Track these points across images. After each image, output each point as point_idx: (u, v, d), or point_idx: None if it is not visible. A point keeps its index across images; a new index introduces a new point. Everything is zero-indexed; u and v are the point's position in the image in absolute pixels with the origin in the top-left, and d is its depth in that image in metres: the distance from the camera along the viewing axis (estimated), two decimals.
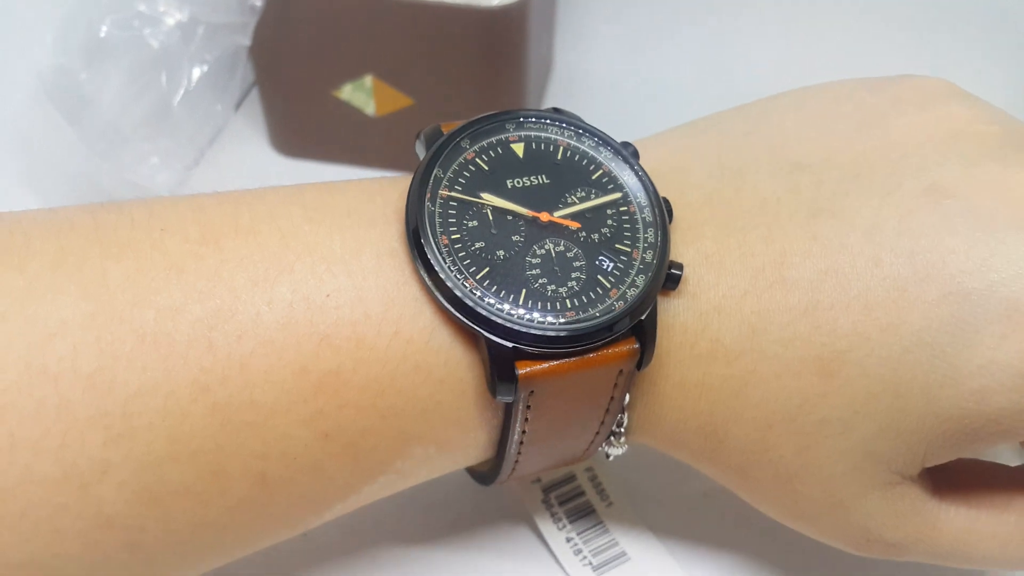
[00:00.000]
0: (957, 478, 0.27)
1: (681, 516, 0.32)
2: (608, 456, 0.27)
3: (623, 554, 0.31)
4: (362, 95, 0.43)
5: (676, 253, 0.25)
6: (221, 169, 0.45)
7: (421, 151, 0.25)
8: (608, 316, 0.23)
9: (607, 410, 0.25)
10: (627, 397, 0.25)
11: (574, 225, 0.24)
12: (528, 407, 0.24)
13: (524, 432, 0.25)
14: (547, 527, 0.32)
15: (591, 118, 0.47)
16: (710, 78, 0.51)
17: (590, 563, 0.31)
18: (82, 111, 0.39)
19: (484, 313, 0.23)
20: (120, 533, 0.22)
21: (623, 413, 0.26)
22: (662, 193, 0.26)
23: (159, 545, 0.22)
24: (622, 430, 0.27)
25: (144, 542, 0.22)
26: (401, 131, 0.43)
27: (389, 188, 0.25)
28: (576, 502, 0.33)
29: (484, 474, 0.28)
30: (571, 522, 0.32)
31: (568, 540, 0.31)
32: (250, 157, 0.46)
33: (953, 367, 0.23)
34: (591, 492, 0.33)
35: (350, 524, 0.31)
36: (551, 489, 0.33)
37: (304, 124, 0.44)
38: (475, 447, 0.25)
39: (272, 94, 0.44)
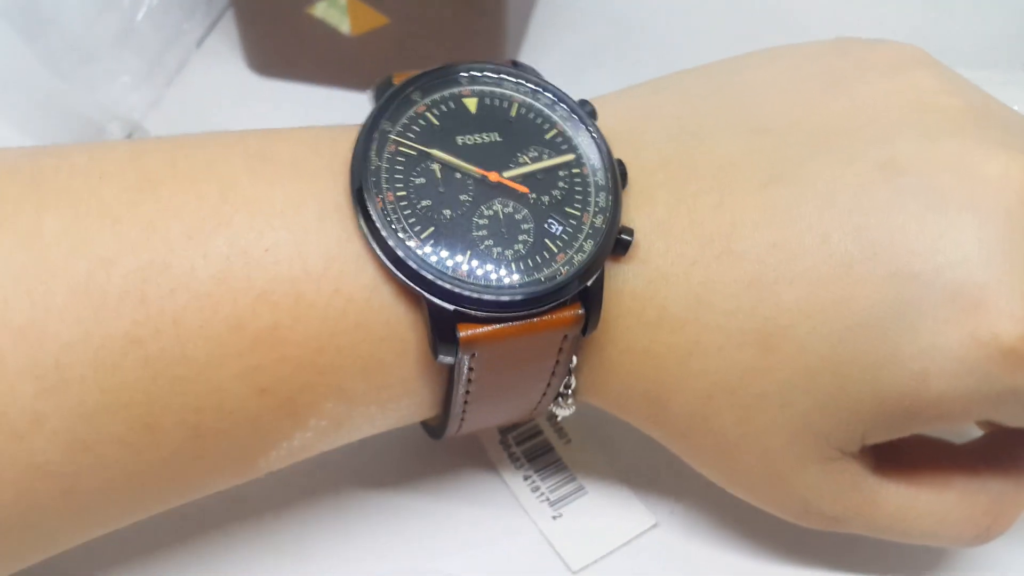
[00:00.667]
0: (900, 453, 0.27)
1: (640, 451, 0.32)
2: (557, 417, 0.27)
3: (580, 488, 0.32)
4: (336, 13, 0.42)
5: (628, 218, 0.25)
6: (196, 89, 0.44)
7: (371, 101, 0.25)
8: (554, 282, 0.23)
9: (553, 373, 0.25)
10: (574, 360, 0.25)
11: (522, 190, 0.24)
12: (471, 368, 0.24)
13: (468, 392, 0.25)
14: (505, 466, 0.32)
15: (573, 48, 0.46)
16: (700, 8, 0.50)
17: (547, 499, 0.31)
18: (42, 30, 0.38)
19: (426, 274, 0.22)
20: (54, 481, 0.22)
21: (570, 375, 0.26)
22: (617, 154, 0.25)
23: (93, 493, 0.22)
24: (570, 392, 0.26)
25: (78, 489, 0.22)
26: (377, 51, 0.43)
27: (338, 138, 0.24)
28: (534, 441, 0.33)
29: (433, 428, 0.28)
30: (529, 461, 0.32)
31: (526, 478, 0.32)
32: (226, 77, 0.45)
33: (895, 348, 0.23)
34: (549, 431, 0.33)
35: (303, 466, 0.31)
36: (509, 430, 0.33)
37: (280, 43, 0.44)
38: (419, 405, 0.25)
39: (247, 12, 0.43)
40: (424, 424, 0.29)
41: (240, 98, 0.45)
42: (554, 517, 0.31)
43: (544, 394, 0.26)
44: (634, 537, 0.31)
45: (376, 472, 0.32)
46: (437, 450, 0.33)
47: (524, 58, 0.47)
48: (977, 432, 0.30)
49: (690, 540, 0.31)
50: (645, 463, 0.32)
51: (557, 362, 0.25)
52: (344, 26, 0.42)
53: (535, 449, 0.33)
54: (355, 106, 0.43)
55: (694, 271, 0.24)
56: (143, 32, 0.41)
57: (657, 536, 0.31)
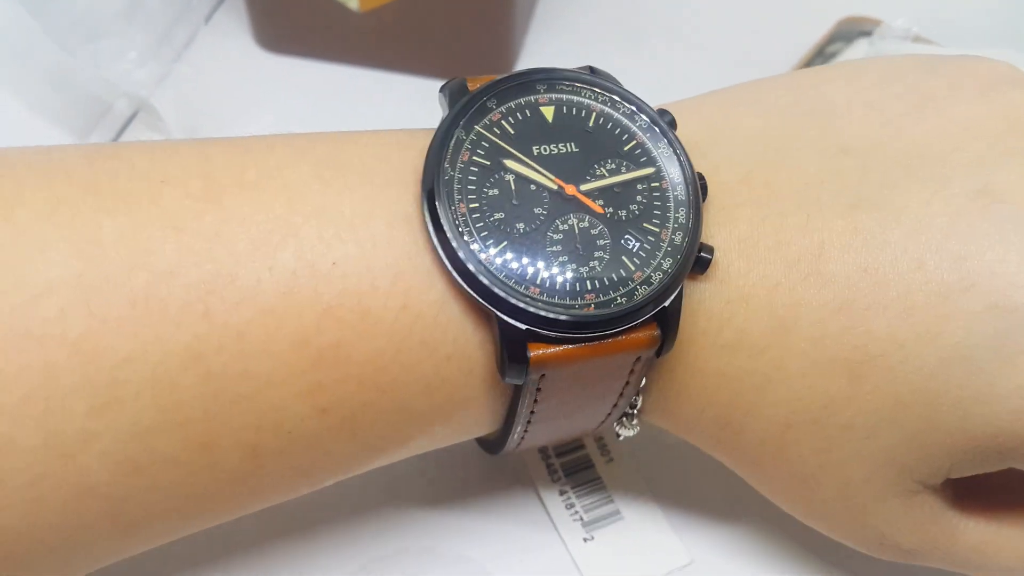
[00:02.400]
0: (982, 484, 0.26)
1: (684, 479, 0.31)
2: (619, 436, 0.26)
3: (616, 512, 0.31)
4: None
5: (707, 235, 0.23)
6: (203, 65, 0.44)
7: (444, 106, 0.23)
8: (630, 302, 0.22)
9: (621, 394, 0.24)
10: (643, 380, 0.24)
11: (598, 211, 0.22)
12: (539, 389, 0.23)
13: (532, 412, 0.24)
14: (541, 478, 0.31)
15: (582, 27, 0.46)
16: None
17: (580, 519, 0.30)
18: (48, 5, 0.37)
19: (497, 291, 0.21)
20: (102, 503, 0.21)
21: (638, 396, 0.25)
22: (697, 167, 0.24)
23: (143, 515, 0.21)
24: (635, 411, 0.25)
25: (127, 511, 0.21)
26: (385, 27, 0.42)
27: (408, 144, 0.23)
28: (574, 455, 0.32)
29: (490, 444, 0.27)
30: (567, 475, 0.31)
31: (562, 493, 0.31)
32: (233, 53, 0.45)
33: (990, 384, 0.22)
34: (591, 446, 0.32)
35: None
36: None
37: (288, 19, 0.43)
38: (480, 423, 0.24)
39: None
40: (480, 439, 0.28)
41: (248, 74, 0.44)
42: (585, 539, 0.30)
43: (609, 414, 0.25)
44: (667, 574, 0.30)
45: (408, 479, 0.31)
46: (472, 455, 0.31)
47: (531, 37, 0.46)
48: None
49: None
50: (688, 493, 0.31)
51: (627, 383, 0.24)
52: (353, 2, 0.41)
53: (575, 464, 0.31)
54: (365, 82, 0.44)
55: (778, 293, 0.23)
56: (150, 7, 0.40)
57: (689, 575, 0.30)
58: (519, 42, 0.44)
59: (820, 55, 0.44)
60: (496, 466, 0.31)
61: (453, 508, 0.31)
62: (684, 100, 0.27)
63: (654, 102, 0.42)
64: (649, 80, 0.43)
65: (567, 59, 0.44)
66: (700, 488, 0.30)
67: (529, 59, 0.45)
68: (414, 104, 0.42)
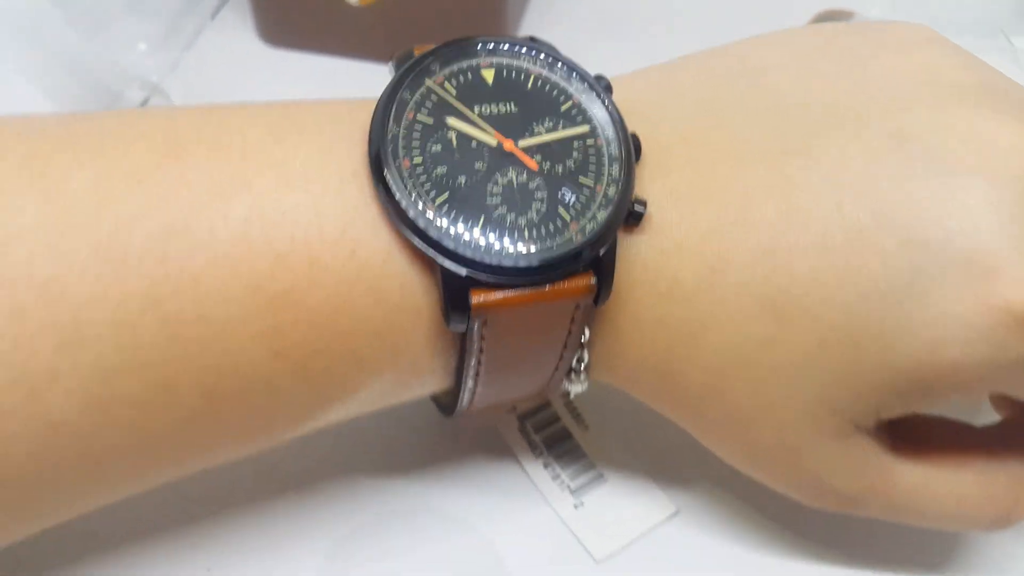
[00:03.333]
0: (918, 434, 0.27)
1: (658, 438, 0.32)
2: (569, 394, 0.27)
3: (600, 476, 0.32)
4: None
5: (642, 189, 0.25)
6: (209, 59, 0.46)
7: (392, 73, 0.25)
8: (566, 250, 0.23)
9: (565, 345, 0.25)
10: (587, 333, 0.25)
11: (533, 166, 0.24)
12: (483, 337, 0.24)
13: (480, 363, 0.25)
14: (524, 454, 0.32)
15: (577, 20, 0.47)
16: None
17: (567, 487, 0.31)
18: None
19: (439, 238, 0.23)
20: (68, 439, 0.22)
21: (583, 349, 0.26)
22: (634, 128, 0.25)
23: (108, 453, 0.23)
24: (583, 367, 0.27)
25: (93, 449, 0.22)
26: (386, 21, 0.44)
27: (359, 109, 0.25)
28: (552, 428, 0.33)
29: (445, 405, 0.28)
30: (548, 448, 0.32)
31: (546, 466, 0.32)
32: (238, 48, 0.47)
33: (907, 317, 0.23)
34: (567, 418, 0.33)
35: (325, 455, 0.32)
36: (527, 417, 0.33)
37: (291, 14, 0.45)
38: (431, 375, 0.26)
39: None
40: (436, 401, 0.29)
41: (252, 68, 0.46)
42: (575, 506, 0.31)
43: (556, 367, 0.26)
44: (656, 525, 0.31)
45: (394, 462, 0.32)
46: (455, 438, 0.33)
47: (527, 29, 0.48)
48: (996, 418, 0.29)
49: (713, 527, 0.31)
50: (663, 450, 0.32)
51: (569, 332, 0.25)
52: None
53: (554, 436, 0.33)
54: (363, 75, 0.45)
55: (708, 241, 0.24)
56: (157, 4, 0.42)
57: (679, 523, 0.31)
58: (514, 34, 0.46)
59: None
60: (481, 445, 0.33)
61: (444, 483, 0.32)
62: (630, 72, 0.28)
63: None
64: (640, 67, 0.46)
65: (562, 51, 0.46)
66: (675, 443, 0.31)
67: None
68: None
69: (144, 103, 0.43)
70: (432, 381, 0.26)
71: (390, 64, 0.25)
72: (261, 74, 0.46)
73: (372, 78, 0.44)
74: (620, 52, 0.48)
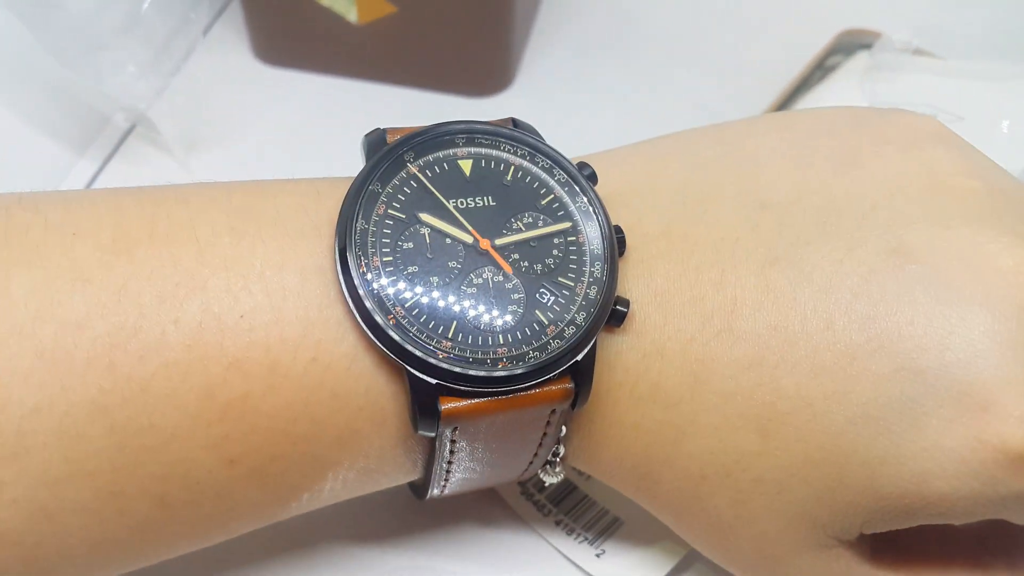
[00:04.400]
0: (898, 538, 0.26)
1: None
2: (545, 484, 0.26)
3: (616, 520, 0.31)
4: (344, 1, 0.41)
5: (625, 287, 0.24)
6: (201, 79, 0.44)
7: (363, 158, 0.24)
8: (543, 357, 0.22)
9: (540, 444, 0.24)
10: (563, 430, 0.24)
11: (507, 269, 0.23)
12: (454, 440, 0.23)
13: (451, 463, 0.24)
14: (533, 517, 0.31)
15: (581, 39, 0.46)
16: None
17: (585, 539, 0.30)
18: (47, 18, 0.37)
19: (407, 347, 0.21)
20: (14, 549, 0.21)
21: (559, 444, 0.25)
22: (617, 219, 0.24)
23: (57, 560, 0.22)
24: (558, 460, 0.25)
25: (40, 557, 0.21)
26: (385, 40, 0.42)
27: (326, 194, 0.23)
28: (555, 485, 0.32)
29: (418, 488, 0.27)
30: (555, 505, 0.31)
31: (558, 523, 0.31)
32: (232, 66, 0.45)
33: (897, 446, 0.22)
34: (568, 471, 0.32)
35: (328, 518, 0.30)
36: (526, 480, 0.32)
37: (286, 32, 0.43)
38: (399, 471, 0.25)
39: (253, 0, 0.43)
40: (410, 484, 0.28)
41: (246, 87, 0.44)
42: (597, 555, 0.30)
43: (531, 462, 0.25)
44: (685, 557, 0.30)
45: (399, 538, 0.31)
46: (460, 509, 0.31)
47: (531, 50, 0.46)
48: None
49: None
50: None
51: (545, 434, 0.24)
52: (351, 15, 0.41)
53: (559, 492, 0.31)
54: (362, 95, 0.44)
55: (692, 348, 0.23)
56: (149, 21, 0.40)
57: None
58: (518, 55, 0.45)
59: (820, 67, 0.44)
60: (489, 515, 0.31)
61: (450, 551, 0.31)
62: (612, 150, 0.27)
63: (649, 115, 0.43)
64: (647, 92, 0.45)
65: (565, 72, 0.46)
66: None
67: (528, 72, 0.45)
68: (410, 117, 0.42)
69: (132, 129, 0.42)
70: (400, 476, 0.25)
71: (361, 144, 0.24)
72: (256, 94, 0.44)
73: (371, 98, 0.44)
74: (626, 71, 0.46)
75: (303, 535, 0.30)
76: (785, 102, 0.42)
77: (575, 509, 0.31)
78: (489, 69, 0.43)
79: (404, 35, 0.42)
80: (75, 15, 0.38)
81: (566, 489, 0.31)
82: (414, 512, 0.31)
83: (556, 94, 0.45)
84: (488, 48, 0.42)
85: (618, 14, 0.48)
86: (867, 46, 0.43)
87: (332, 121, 0.43)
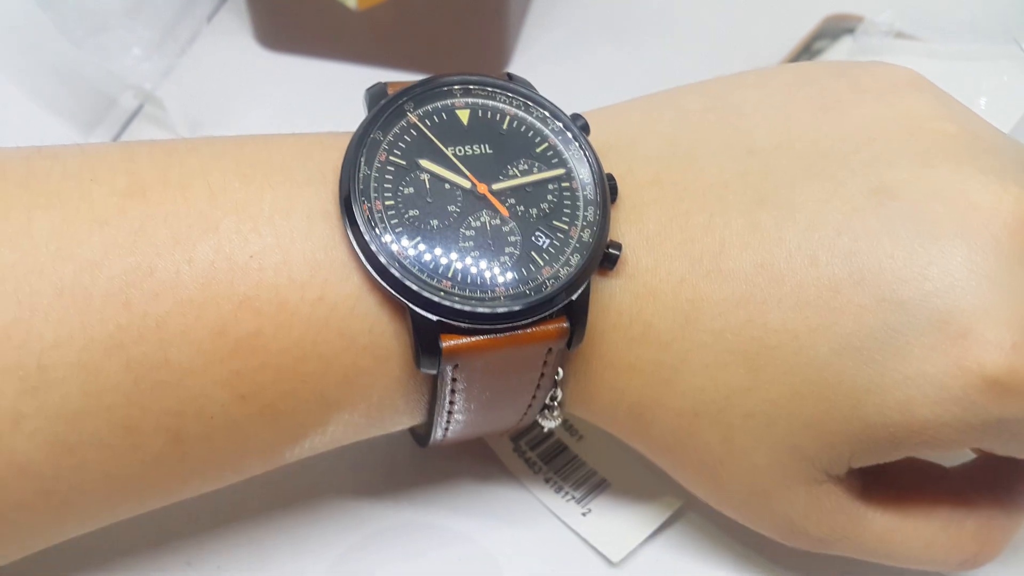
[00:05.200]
0: (888, 476, 0.26)
1: None
2: (543, 428, 0.27)
3: (603, 481, 0.32)
4: None
5: (618, 232, 0.25)
6: (205, 63, 0.45)
7: (365, 110, 0.25)
8: (539, 295, 0.23)
9: (538, 385, 0.25)
10: (560, 372, 0.25)
11: (504, 212, 0.24)
12: (455, 379, 0.24)
13: (452, 402, 0.25)
14: (524, 473, 0.32)
15: (576, 25, 0.47)
16: None
17: (573, 497, 0.31)
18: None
19: (410, 284, 0.22)
20: (33, 481, 0.22)
21: (556, 387, 0.26)
22: (610, 168, 0.25)
23: (73, 493, 0.23)
24: (556, 403, 0.26)
25: (58, 490, 0.22)
26: (383, 25, 0.43)
27: (330, 145, 0.24)
28: (547, 443, 0.33)
29: (420, 435, 0.28)
30: (546, 463, 0.32)
31: (547, 481, 0.32)
32: (235, 51, 0.46)
33: (880, 375, 0.23)
34: (559, 430, 0.33)
35: (326, 471, 0.31)
36: (519, 436, 0.33)
37: (288, 17, 0.45)
38: (403, 413, 0.25)
39: None
40: (412, 432, 0.29)
41: (249, 71, 0.45)
42: (583, 514, 0.31)
43: (530, 405, 0.26)
44: (666, 520, 0.31)
45: (393, 482, 0.32)
46: (454, 466, 0.32)
47: (527, 34, 0.47)
48: (969, 455, 0.29)
49: (721, 518, 0.30)
50: None
51: (542, 374, 0.25)
52: (351, 1, 0.43)
53: (550, 451, 0.32)
54: (362, 79, 0.43)
55: (682, 288, 0.24)
56: (154, 6, 0.42)
57: (691, 517, 0.31)
58: (513, 38, 0.46)
59: (806, 51, 0.45)
60: (480, 470, 0.32)
61: (446, 504, 0.31)
62: (605, 107, 0.28)
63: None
64: (640, 75, 0.46)
65: (560, 55, 0.47)
66: None
67: (523, 55, 0.47)
68: None
69: (139, 110, 0.43)
70: (404, 418, 0.26)
71: (363, 97, 0.25)
72: (258, 78, 0.45)
73: (370, 82, 0.44)
74: (619, 54, 0.47)
75: (298, 491, 0.31)
76: None
77: (565, 468, 0.32)
78: (484, 53, 0.45)
79: (402, 20, 0.43)
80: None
81: (557, 448, 0.32)
82: (410, 469, 0.32)
83: (550, 77, 0.45)
84: (483, 32, 0.44)
85: (615, 7, 0.50)
86: (851, 31, 0.44)
87: (331, 104, 0.44)
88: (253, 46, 0.46)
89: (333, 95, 0.44)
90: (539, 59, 0.46)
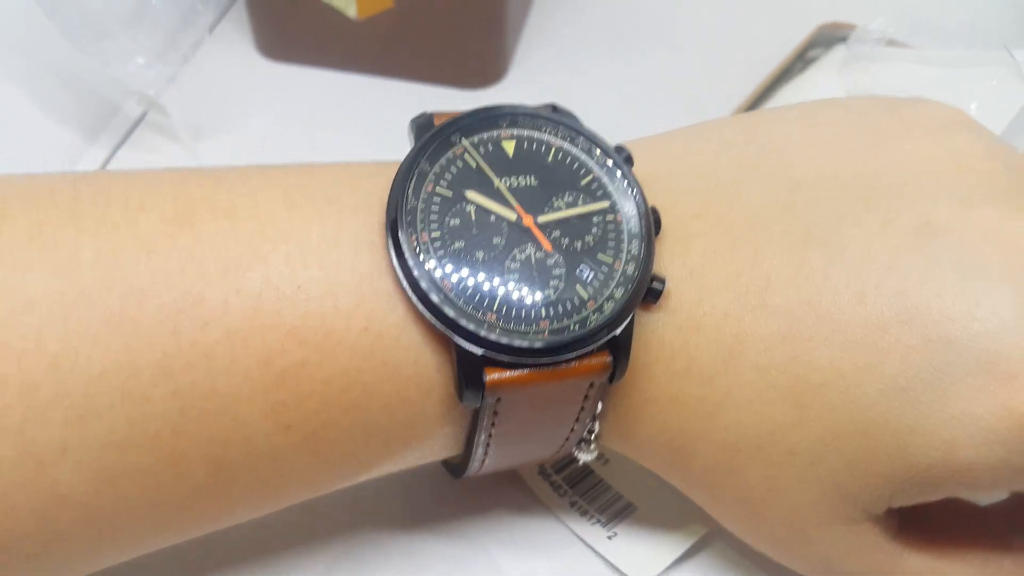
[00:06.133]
0: (925, 515, 0.26)
1: None
2: (579, 461, 0.27)
3: (629, 505, 0.31)
4: None
5: (661, 265, 0.25)
6: (207, 73, 0.46)
7: (411, 140, 0.25)
8: (582, 329, 0.23)
9: (577, 418, 0.25)
10: (599, 406, 0.25)
11: (547, 247, 0.24)
12: (496, 412, 0.24)
13: (491, 435, 0.25)
14: (549, 497, 0.32)
15: (574, 35, 0.47)
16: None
17: (599, 521, 0.31)
18: (58, 4, 0.38)
19: (455, 317, 0.22)
20: (75, 512, 0.22)
21: (594, 421, 0.26)
22: (653, 201, 0.25)
23: (115, 523, 0.22)
24: (592, 437, 0.26)
25: (100, 521, 0.22)
26: (382, 34, 0.44)
27: (376, 174, 0.24)
28: (572, 467, 0.32)
29: (455, 467, 0.28)
30: (571, 487, 0.32)
31: (572, 504, 0.31)
32: (236, 61, 0.47)
33: (926, 415, 0.23)
34: (600, 449, 0.33)
35: (350, 503, 0.31)
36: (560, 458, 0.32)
37: (289, 27, 0.45)
38: (441, 444, 0.25)
39: None
40: (445, 463, 0.29)
41: (250, 81, 0.46)
42: (609, 537, 0.31)
43: (567, 438, 0.26)
44: (692, 546, 0.30)
45: (419, 516, 0.32)
46: (479, 490, 0.32)
47: (523, 43, 0.48)
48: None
49: (749, 547, 0.30)
50: None
51: (582, 408, 0.25)
52: (351, 10, 0.43)
53: (575, 475, 0.32)
54: (362, 89, 0.45)
55: (727, 323, 0.24)
56: (157, 12, 0.42)
57: (717, 544, 0.31)
58: (511, 48, 0.46)
59: (800, 59, 0.45)
60: (505, 494, 0.32)
61: (471, 531, 0.31)
62: (647, 137, 0.28)
63: (640, 107, 0.45)
64: (637, 84, 0.46)
65: (558, 64, 0.47)
66: None
67: (521, 64, 0.47)
68: (408, 109, 0.43)
69: (142, 117, 0.43)
70: (442, 450, 0.26)
71: (408, 128, 0.25)
72: (259, 87, 0.46)
73: (370, 91, 0.46)
74: (617, 62, 0.48)
75: (315, 524, 0.31)
76: (765, 91, 0.44)
77: (590, 492, 0.32)
78: (483, 62, 0.45)
79: (401, 29, 0.44)
80: (85, 3, 0.40)
81: (583, 472, 0.32)
82: (432, 495, 0.32)
83: (548, 86, 0.46)
84: (482, 41, 0.44)
85: (609, 7, 0.50)
86: (845, 39, 0.44)
87: (332, 113, 0.45)
88: (254, 56, 0.47)
89: (333, 103, 0.45)
90: (536, 68, 0.47)
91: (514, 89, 0.46)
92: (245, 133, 0.43)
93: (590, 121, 0.43)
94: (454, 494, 0.32)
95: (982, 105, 0.39)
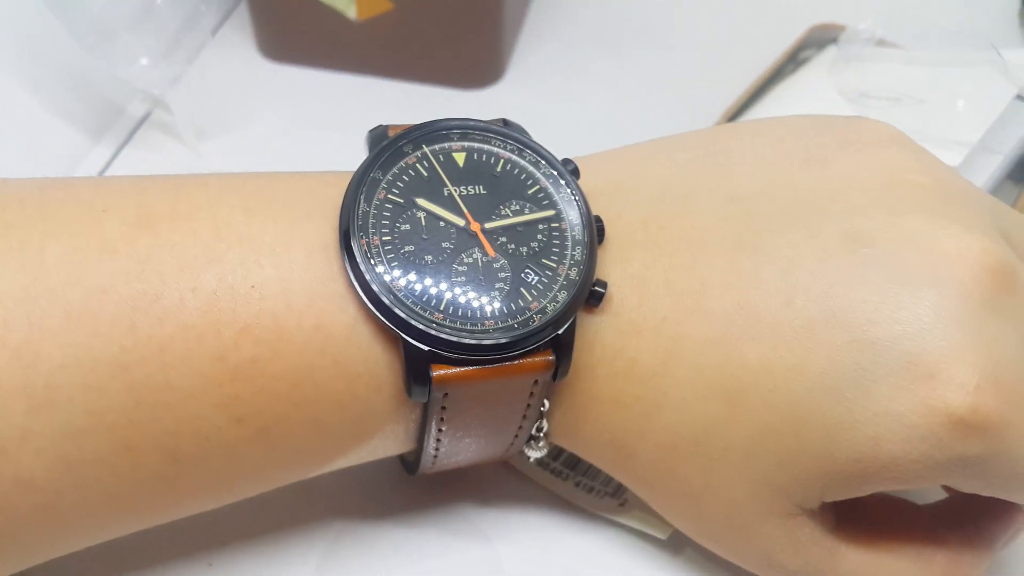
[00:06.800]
0: (861, 511, 0.27)
1: None
2: (529, 458, 0.28)
3: None
4: None
5: (604, 272, 0.26)
6: (210, 75, 0.47)
7: (367, 150, 0.26)
8: (526, 328, 0.24)
9: (524, 416, 0.26)
10: (546, 404, 0.26)
11: (491, 253, 0.25)
12: (444, 408, 0.25)
13: (441, 431, 0.26)
14: (553, 483, 0.32)
15: (571, 36, 0.49)
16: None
17: (606, 493, 0.32)
18: (64, 5, 0.39)
19: (403, 315, 0.23)
20: (36, 496, 0.23)
21: (542, 419, 0.27)
22: (600, 212, 0.26)
23: (73, 509, 0.23)
24: (542, 434, 0.27)
25: (58, 505, 0.23)
26: (381, 37, 0.45)
27: (332, 183, 0.26)
28: (567, 452, 0.33)
29: (409, 463, 0.29)
30: (571, 468, 0.33)
31: (577, 484, 0.32)
32: (239, 63, 0.48)
33: (851, 412, 0.24)
34: (550, 446, 0.33)
35: (348, 493, 0.32)
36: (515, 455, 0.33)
37: (291, 29, 0.46)
38: (394, 440, 0.26)
39: (259, 1, 0.46)
40: (401, 458, 0.30)
41: (252, 82, 0.47)
42: (620, 505, 0.31)
43: (516, 435, 0.27)
44: None
45: (433, 512, 0.32)
46: (487, 489, 0.33)
47: (522, 43, 0.49)
48: (942, 493, 0.30)
49: None
50: None
51: (529, 405, 0.26)
52: (351, 12, 0.44)
53: (572, 457, 0.33)
54: (362, 90, 0.47)
55: (665, 326, 0.25)
56: (161, 13, 0.43)
57: None
58: (509, 49, 0.48)
59: (792, 60, 0.46)
60: (514, 490, 0.33)
61: (469, 522, 0.32)
62: (599, 153, 0.29)
63: (636, 106, 0.46)
64: (633, 83, 0.48)
65: (554, 65, 0.49)
66: None
67: (518, 65, 0.48)
68: (408, 109, 0.45)
69: (146, 117, 0.44)
70: (395, 445, 0.27)
71: (365, 139, 0.26)
72: (262, 89, 0.47)
73: (369, 91, 0.47)
74: (613, 65, 0.49)
75: (299, 512, 0.32)
76: (757, 91, 0.45)
77: (590, 470, 0.32)
78: (481, 63, 0.47)
79: (400, 31, 0.45)
80: (90, 4, 0.41)
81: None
82: (443, 493, 0.33)
83: (546, 86, 0.48)
84: (480, 42, 0.46)
85: (605, 9, 0.52)
86: (835, 40, 0.45)
87: (332, 113, 0.46)
88: (256, 57, 0.48)
89: (333, 104, 0.47)
90: (534, 68, 0.49)
91: (512, 89, 0.48)
92: (247, 132, 0.45)
93: (587, 120, 0.44)
94: (451, 485, 0.33)
95: (969, 102, 0.40)
